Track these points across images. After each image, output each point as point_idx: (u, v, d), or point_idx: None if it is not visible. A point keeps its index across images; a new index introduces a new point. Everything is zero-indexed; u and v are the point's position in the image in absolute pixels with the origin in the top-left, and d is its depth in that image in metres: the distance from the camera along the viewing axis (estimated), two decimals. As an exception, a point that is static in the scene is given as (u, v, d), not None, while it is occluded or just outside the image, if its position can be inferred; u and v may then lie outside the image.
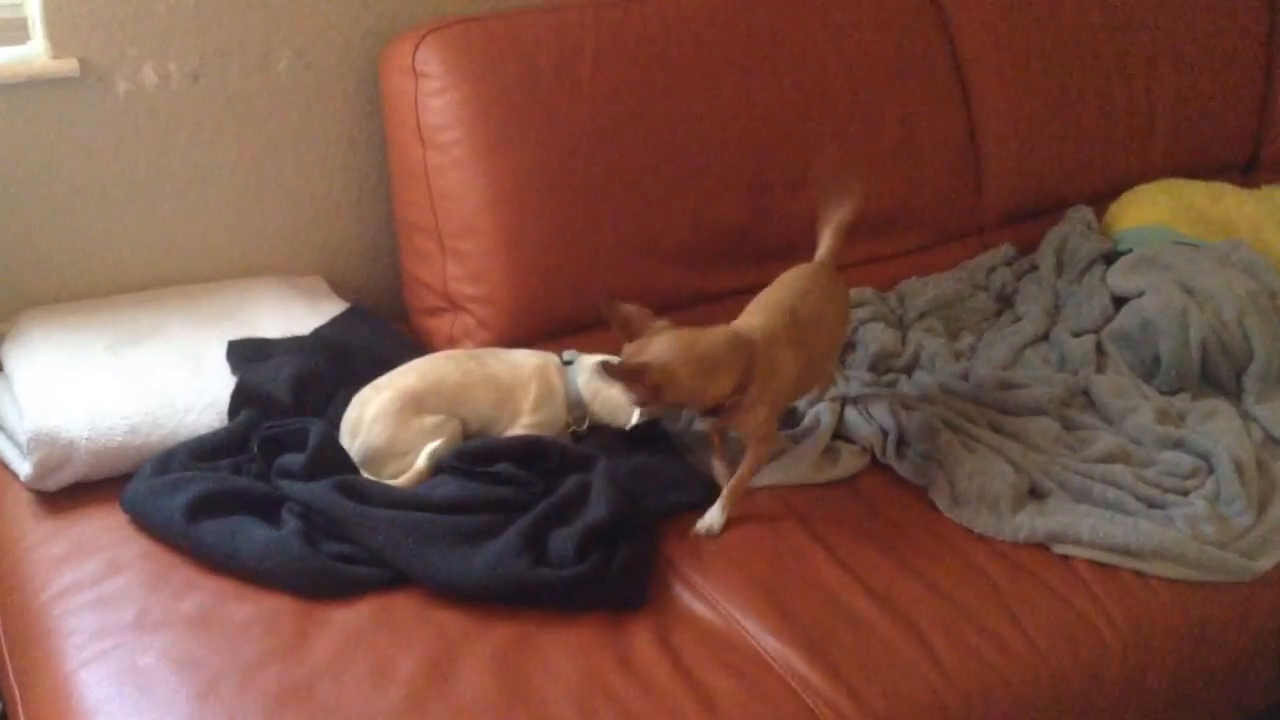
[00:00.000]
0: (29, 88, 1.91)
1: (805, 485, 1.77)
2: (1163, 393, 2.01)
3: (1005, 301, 2.32)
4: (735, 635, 1.51)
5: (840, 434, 1.86)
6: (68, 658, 1.42)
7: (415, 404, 1.73)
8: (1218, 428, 1.88)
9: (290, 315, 2.02)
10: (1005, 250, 2.42)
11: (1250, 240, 2.29)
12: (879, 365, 2.04)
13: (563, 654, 1.45)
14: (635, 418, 1.79)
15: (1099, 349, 2.11)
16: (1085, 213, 2.47)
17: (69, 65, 1.91)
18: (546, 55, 2.02)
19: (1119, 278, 2.22)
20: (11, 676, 1.50)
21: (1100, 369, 2.07)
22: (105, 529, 1.63)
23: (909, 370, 2.05)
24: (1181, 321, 2.03)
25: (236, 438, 1.74)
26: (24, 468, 1.69)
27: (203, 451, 1.71)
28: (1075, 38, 2.53)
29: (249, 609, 1.49)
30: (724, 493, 1.67)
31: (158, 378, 1.83)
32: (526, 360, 1.83)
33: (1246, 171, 2.86)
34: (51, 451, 1.67)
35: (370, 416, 1.72)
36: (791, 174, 2.20)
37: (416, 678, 1.40)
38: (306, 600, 1.51)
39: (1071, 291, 2.27)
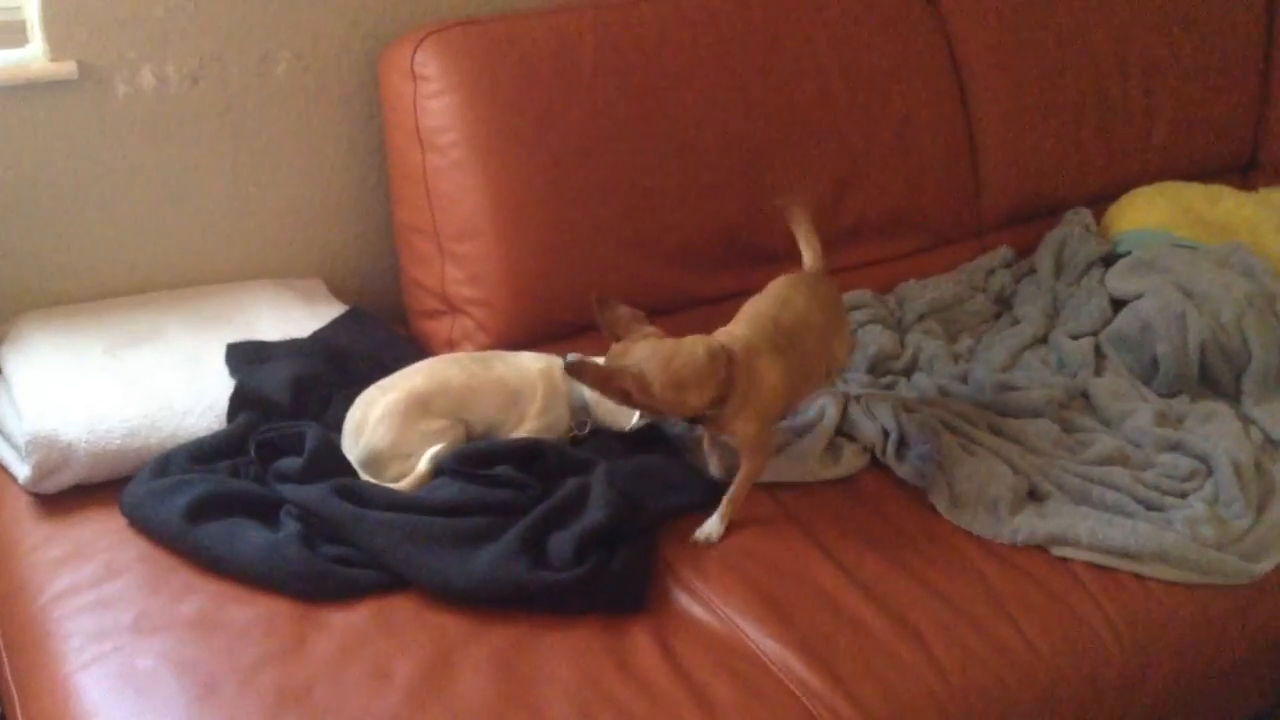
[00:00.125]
0: (27, 90, 1.91)
1: (804, 487, 1.77)
2: (1161, 395, 2.01)
3: (1004, 304, 2.32)
4: (734, 638, 1.51)
5: (842, 430, 1.86)
6: (66, 660, 1.42)
7: (421, 407, 1.73)
8: (1216, 430, 1.88)
9: (289, 318, 2.02)
10: (1004, 253, 2.43)
11: (1249, 243, 2.29)
12: (878, 367, 2.05)
13: (561, 657, 1.45)
14: (636, 420, 1.79)
15: (1098, 351, 2.11)
16: (1084, 215, 2.48)
17: (67, 68, 1.91)
18: (545, 58, 2.02)
19: (1118, 280, 2.22)
20: (10, 679, 1.50)
21: (1099, 371, 2.07)
22: (104, 532, 1.62)
23: (908, 372, 2.06)
24: (1180, 324, 2.03)
25: (235, 440, 1.74)
26: (22, 470, 1.69)
27: (201, 454, 1.71)
28: (1073, 40, 2.53)
29: (248, 611, 1.49)
30: (723, 502, 1.67)
31: (156, 380, 1.82)
32: (532, 364, 1.83)
33: (1245, 174, 2.86)
34: (50, 454, 1.67)
35: (375, 417, 1.72)
36: (790, 177, 2.20)
37: (415, 680, 1.40)
38: (305, 603, 1.50)
39: (1070, 294, 2.27)
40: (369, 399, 1.75)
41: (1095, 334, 2.14)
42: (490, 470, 1.67)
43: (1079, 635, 1.57)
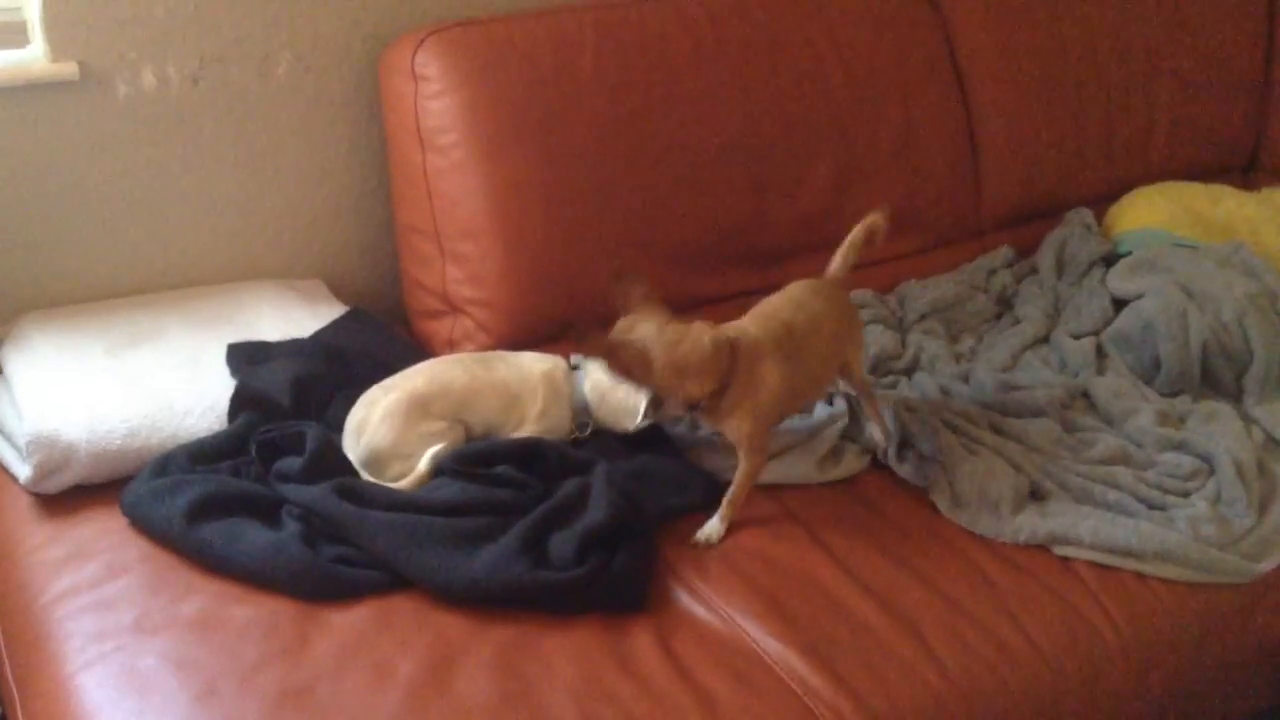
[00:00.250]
0: (28, 91, 1.91)
1: (805, 487, 1.77)
2: (1163, 395, 2.01)
3: (1005, 304, 2.32)
4: (735, 637, 1.51)
5: (845, 433, 1.86)
6: (67, 660, 1.42)
7: (422, 407, 1.73)
8: (1218, 429, 1.88)
9: (290, 318, 2.02)
10: (1005, 253, 2.43)
11: (1250, 242, 2.28)
12: (879, 367, 2.05)
13: (563, 656, 1.44)
14: (640, 420, 1.78)
15: (1099, 351, 2.10)
16: (1085, 215, 2.48)
17: (68, 69, 1.91)
18: (546, 58, 2.02)
19: (1119, 280, 2.22)
20: (11, 679, 1.49)
21: (1100, 371, 2.06)
22: (105, 532, 1.62)
23: (909, 372, 2.06)
24: (1182, 323, 2.03)
25: (236, 440, 1.74)
26: (23, 471, 1.69)
27: (202, 454, 1.71)
28: (1075, 40, 2.53)
29: (248, 611, 1.49)
30: (723, 503, 1.67)
31: (157, 381, 1.82)
32: (534, 365, 1.83)
33: (1246, 174, 2.86)
34: (51, 454, 1.67)
35: (377, 417, 1.72)
36: (791, 175, 2.20)
37: (416, 680, 1.39)
38: (306, 603, 1.50)
39: (1071, 294, 2.27)
40: (371, 399, 1.75)
41: (1097, 334, 2.14)
42: (491, 470, 1.67)
43: (1081, 634, 1.56)
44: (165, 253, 2.11)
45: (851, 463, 1.82)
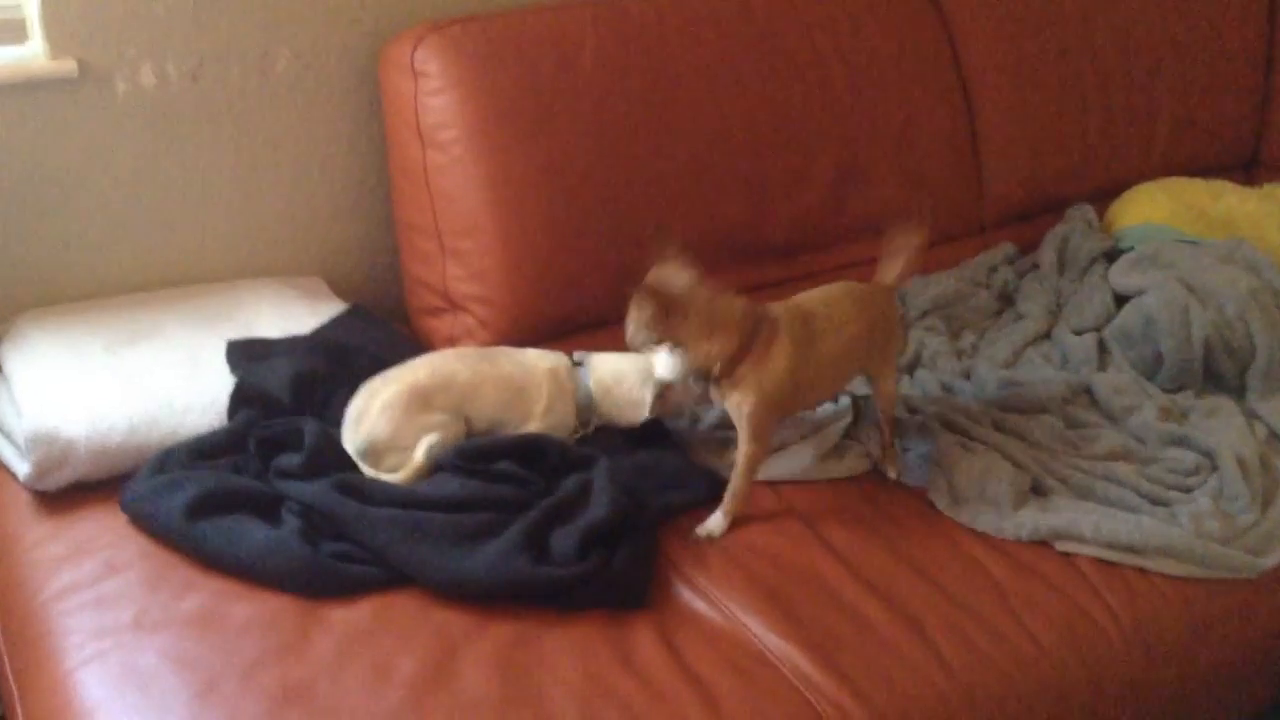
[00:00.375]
0: (27, 89, 1.91)
1: (808, 483, 1.77)
2: (1165, 390, 2.01)
3: (1007, 300, 2.31)
4: (738, 634, 1.50)
5: (849, 433, 1.85)
6: (66, 657, 1.42)
7: (423, 400, 1.73)
8: (1221, 425, 1.87)
9: (290, 315, 2.02)
10: (1006, 249, 2.42)
11: (1251, 238, 2.28)
12: (880, 364, 2.04)
13: (564, 653, 1.44)
14: (645, 414, 1.78)
15: (1101, 347, 2.10)
16: (1086, 211, 2.47)
17: (67, 66, 1.90)
18: (546, 55, 2.02)
19: (1121, 276, 2.21)
20: (10, 677, 1.49)
21: (1102, 367, 2.06)
22: (104, 529, 1.62)
23: (911, 369, 2.05)
24: (1184, 319, 2.02)
25: (236, 437, 1.73)
26: (23, 468, 1.68)
27: (202, 451, 1.71)
28: (1076, 37, 2.53)
29: (249, 609, 1.48)
30: (725, 498, 1.66)
31: (157, 378, 1.82)
32: (538, 362, 1.82)
33: (1247, 171, 2.85)
34: (50, 451, 1.66)
35: (377, 407, 1.71)
36: (792, 172, 2.20)
37: (417, 677, 1.39)
38: (306, 600, 1.50)
39: (1073, 290, 2.27)
40: (372, 389, 1.75)
41: (1099, 329, 2.13)
42: (492, 466, 1.66)
43: (1084, 630, 1.56)
44: (164, 250, 2.11)
45: (853, 463, 1.81)
